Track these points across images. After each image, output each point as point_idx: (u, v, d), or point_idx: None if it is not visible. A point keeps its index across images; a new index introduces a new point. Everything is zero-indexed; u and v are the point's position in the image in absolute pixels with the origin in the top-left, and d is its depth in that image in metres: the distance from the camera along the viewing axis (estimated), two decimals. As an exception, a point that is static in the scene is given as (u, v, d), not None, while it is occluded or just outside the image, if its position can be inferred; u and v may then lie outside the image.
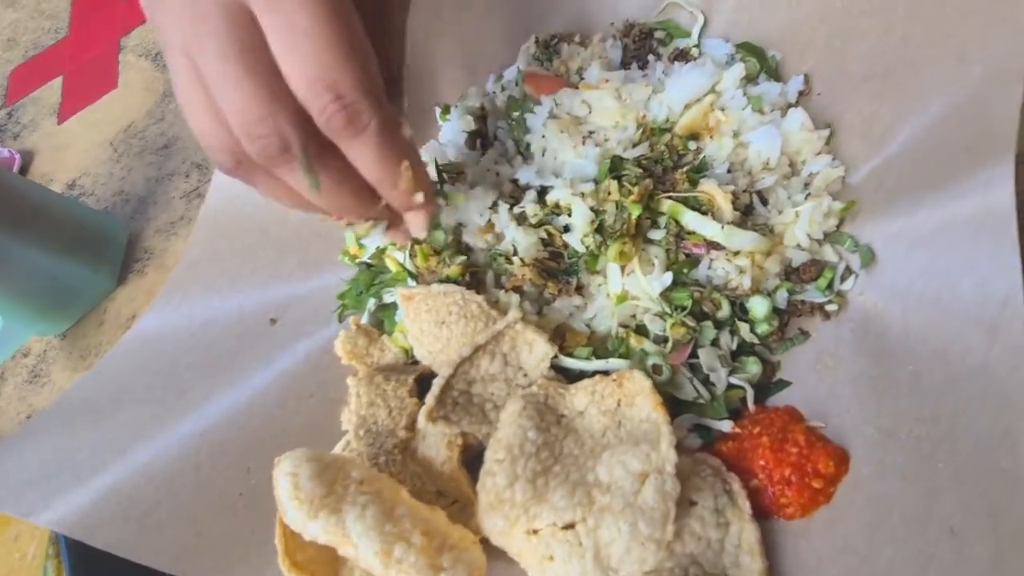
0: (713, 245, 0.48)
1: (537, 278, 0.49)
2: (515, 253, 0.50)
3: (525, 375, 0.47)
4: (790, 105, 0.55)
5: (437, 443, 0.46)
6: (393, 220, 0.46)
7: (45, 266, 0.69)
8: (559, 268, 0.51)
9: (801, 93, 0.56)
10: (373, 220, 0.45)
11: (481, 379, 0.46)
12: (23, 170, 0.97)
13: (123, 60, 1.03)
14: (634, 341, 0.48)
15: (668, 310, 0.47)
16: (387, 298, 0.58)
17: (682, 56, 0.62)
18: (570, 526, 0.38)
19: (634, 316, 0.50)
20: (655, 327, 0.48)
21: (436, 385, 0.45)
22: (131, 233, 0.79)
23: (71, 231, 0.72)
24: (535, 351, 0.47)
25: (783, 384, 0.46)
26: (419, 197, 0.41)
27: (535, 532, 0.39)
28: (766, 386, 0.46)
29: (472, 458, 0.46)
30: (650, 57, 0.63)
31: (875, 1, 0.52)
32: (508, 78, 0.65)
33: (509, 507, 0.39)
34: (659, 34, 0.65)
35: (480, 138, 0.61)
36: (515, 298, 0.50)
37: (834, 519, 0.39)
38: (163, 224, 0.79)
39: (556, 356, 0.47)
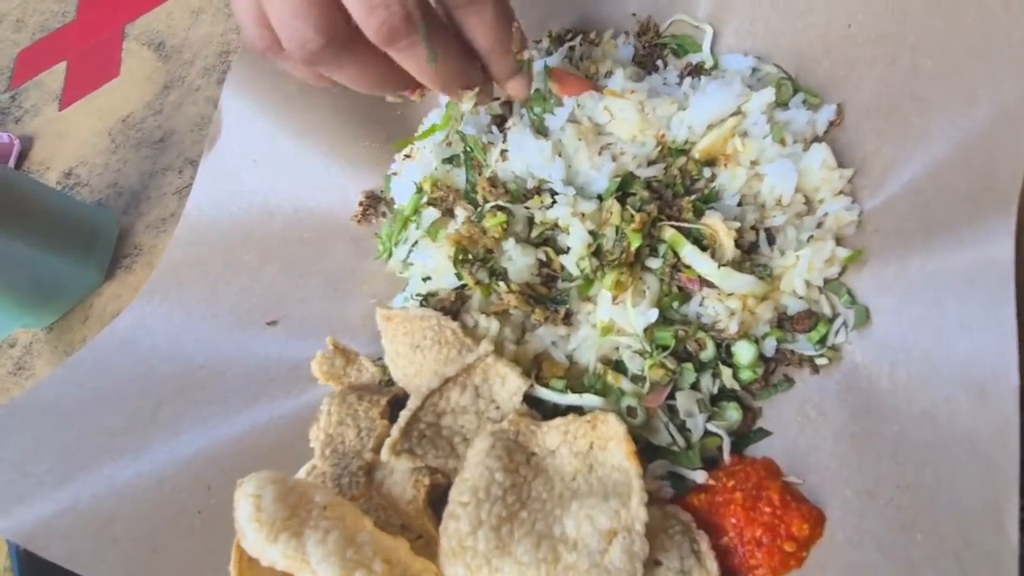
0: (707, 282, 0.46)
1: (523, 304, 0.48)
2: (504, 277, 0.49)
3: (497, 408, 0.45)
4: (816, 138, 0.52)
5: (403, 480, 0.45)
6: (486, 87, 0.47)
7: (33, 260, 0.69)
8: (549, 294, 0.50)
9: (831, 123, 0.52)
10: (472, 89, 0.46)
11: (451, 411, 0.45)
12: (22, 156, 0.97)
13: (127, 48, 1.02)
14: (611, 378, 0.46)
15: (649, 348, 0.45)
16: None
17: (697, 71, 0.59)
18: (532, 582, 0.36)
19: (617, 349, 0.48)
20: (634, 365, 0.46)
21: (402, 417, 0.43)
22: (122, 228, 0.79)
23: (61, 226, 0.71)
24: (508, 384, 0.45)
25: (763, 433, 0.44)
26: (526, 54, 0.44)
27: (496, 585, 0.37)
28: (745, 434, 0.44)
29: (441, 495, 0.44)
30: (658, 62, 0.61)
31: (884, 28, 0.49)
32: (536, 69, 0.63)
33: (471, 556, 0.37)
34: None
35: (503, 123, 0.59)
36: (494, 325, 0.49)
37: (804, 585, 0.37)
38: (154, 220, 0.78)
39: (532, 386, 0.46)
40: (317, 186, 0.68)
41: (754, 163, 0.51)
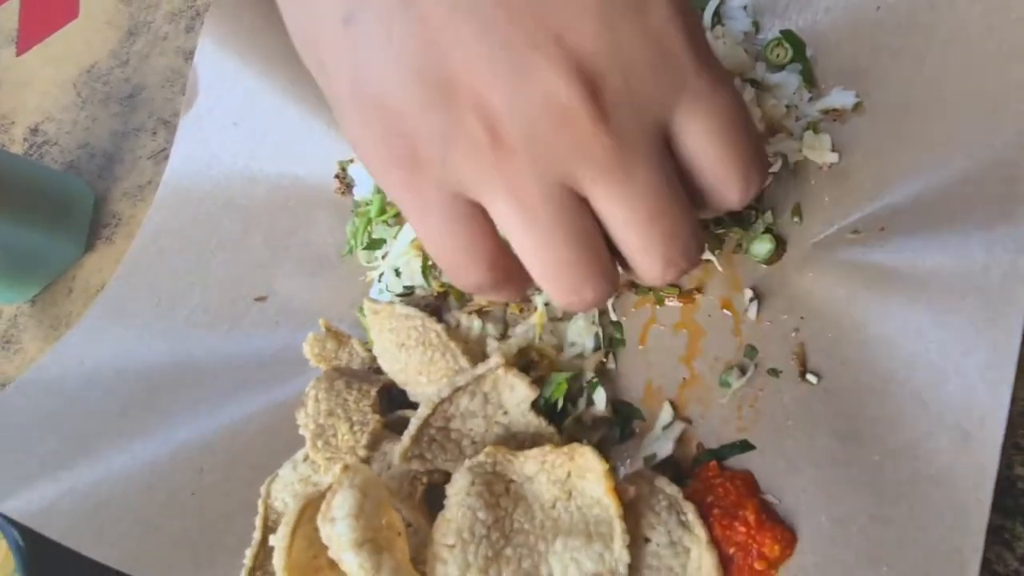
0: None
1: (493, 303, 0.47)
2: None
3: (505, 412, 0.46)
4: (815, 123, 0.48)
5: (401, 475, 0.46)
6: None
7: (4, 235, 0.67)
8: None
9: (838, 111, 0.47)
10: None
11: (460, 415, 0.45)
12: (-17, 108, 0.92)
13: (83, -16, 0.93)
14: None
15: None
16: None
17: None
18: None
19: None
20: None
21: (413, 424, 0.44)
22: (97, 194, 0.76)
23: (31, 198, 0.69)
24: (516, 392, 0.45)
25: (747, 446, 0.44)
26: None
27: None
28: (728, 445, 0.45)
29: (432, 491, 0.46)
30: None
31: (915, 16, 0.44)
32: None
33: (461, 599, 0.39)
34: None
35: None
36: (476, 324, 0.48)
37: (771, 604, 0.39)
38: (130, 187, 0.75)
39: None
40: (300, 150, 0.65)
41: None
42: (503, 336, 0.50)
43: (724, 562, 0.40)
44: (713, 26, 0.52)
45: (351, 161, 0.61)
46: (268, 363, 0.58)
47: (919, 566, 0.36)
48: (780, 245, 0.47)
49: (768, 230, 0.47)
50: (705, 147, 0.30)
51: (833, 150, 0.47)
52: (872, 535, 0.38)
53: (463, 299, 0.48)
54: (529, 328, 0.49)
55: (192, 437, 0.54)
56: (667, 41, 0.27)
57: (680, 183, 0.30)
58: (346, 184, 0.63)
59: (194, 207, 0.65)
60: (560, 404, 0.47)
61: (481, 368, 0.45)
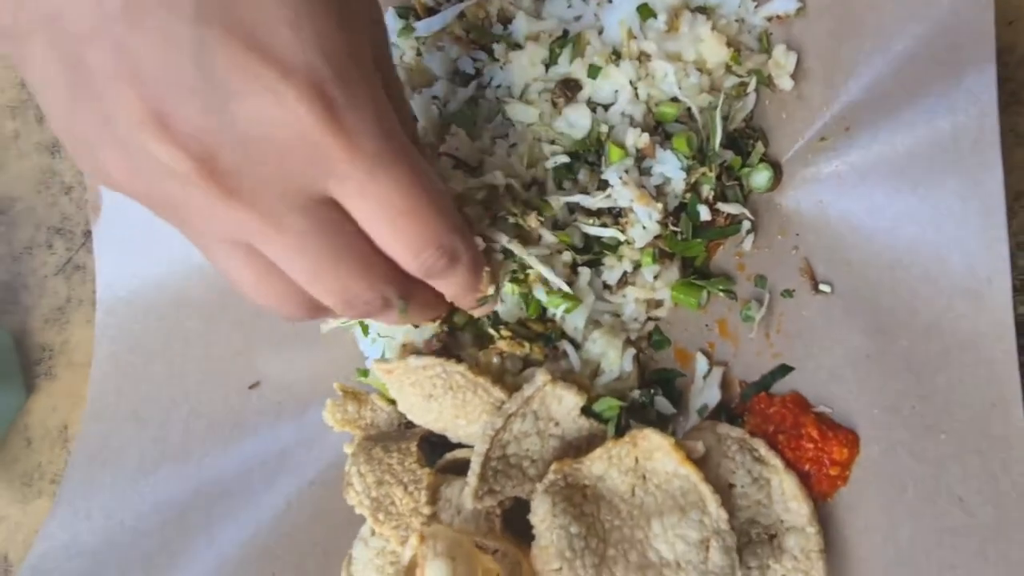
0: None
1: (516, 348, 0.47)
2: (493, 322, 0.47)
3: (556, 424, 0.46)
4: (767, 32, 0.48)
5: (475, 515, 0.46)
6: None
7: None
8: (546, 330, 0.48)
9: (777, 18, 0.48)
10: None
11: (515, 439, 0.45)
12: None
13: None
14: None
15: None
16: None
17: None
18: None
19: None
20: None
21: (475, 462, 0.43)
22: (14, 331, 0.67)
23: None
24: (564, 403, 0.45)
25: (786, 369, 0.46)
26: (491, 289, 0.44)
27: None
28: (768, 373, 0.47)
29: (507, 513, 0.46)
30: None
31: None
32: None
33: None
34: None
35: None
36: (495, 360, 0.48)
37: (854, 501, 0.42)
38: (49, 312, 0.67)
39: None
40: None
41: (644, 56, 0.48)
42: (522, 371, 0.49)
43: (803, 479, 0.43)
44: None
45: None
46: (290, 446, 0.55)
47: (970, 424, 0.40)
48: (778, 170, 0.47)
49: (763, 159, 0.47)
50: (372, 229, 0.35)
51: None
52: (923, 411, 0.41)
53: (480, 337, 0.47)
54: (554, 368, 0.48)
55: (247, 547, 0.52)
56: (299, 125, 0.30)
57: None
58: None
59: (143, 317, 0.59)
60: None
61: (529, 389, 0.45)
